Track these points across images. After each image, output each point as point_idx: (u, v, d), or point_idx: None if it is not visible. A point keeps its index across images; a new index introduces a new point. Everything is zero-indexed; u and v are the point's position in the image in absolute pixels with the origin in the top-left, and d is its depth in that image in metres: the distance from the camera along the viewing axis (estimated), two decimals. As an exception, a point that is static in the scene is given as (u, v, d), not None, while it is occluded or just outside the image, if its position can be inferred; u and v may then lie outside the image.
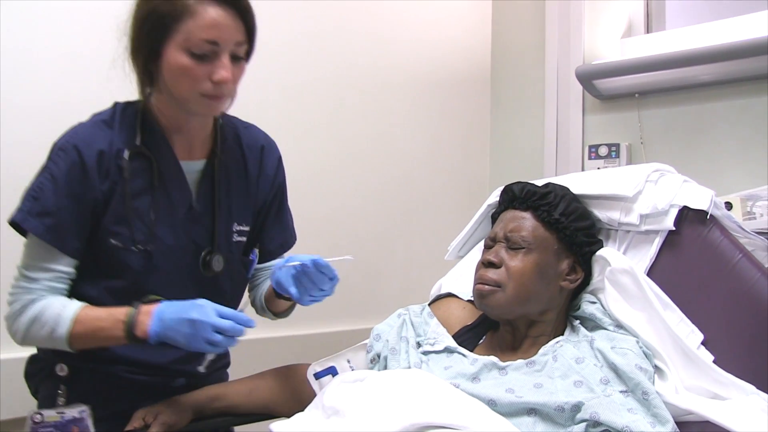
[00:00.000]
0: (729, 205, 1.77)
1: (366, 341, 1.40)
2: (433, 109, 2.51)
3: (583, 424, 1.10)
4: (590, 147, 2.34)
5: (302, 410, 1.20)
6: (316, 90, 2.17)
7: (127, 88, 1.26)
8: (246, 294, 1.47)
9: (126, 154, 1.23)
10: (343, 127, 2.25)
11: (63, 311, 1.18)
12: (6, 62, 1.64)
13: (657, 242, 1.39)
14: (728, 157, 2.08)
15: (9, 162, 1.62)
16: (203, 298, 1.17)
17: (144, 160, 1.25)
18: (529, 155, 2.55)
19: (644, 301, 1.28)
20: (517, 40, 2.62)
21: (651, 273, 1.38)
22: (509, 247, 1.31)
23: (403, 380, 1.17)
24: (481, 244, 1.46)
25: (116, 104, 1.29)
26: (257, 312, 1.46)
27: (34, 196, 1.19)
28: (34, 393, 1.36)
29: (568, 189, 1.39)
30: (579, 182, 1.46)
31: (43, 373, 1.32)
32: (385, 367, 1.32)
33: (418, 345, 1.35)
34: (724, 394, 1.19)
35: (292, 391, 1.37)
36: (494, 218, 1.43)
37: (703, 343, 1.27)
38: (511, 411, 1.15)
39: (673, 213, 1.37)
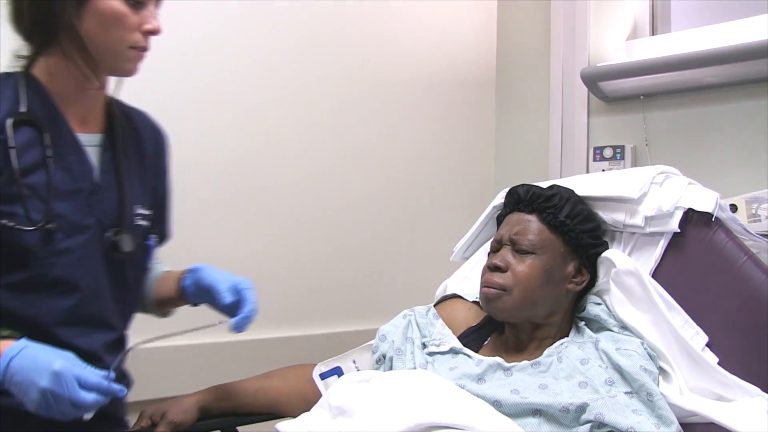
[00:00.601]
0: (734, 208, 1.76)
1: (371, 342, 1.40)
2: (438, 110, 2.51)
3: (588, 425, 1.10)
4: (595, 149, 2.33)
5: (308, 410, 1.20)
6: (320, 91, 2.17)
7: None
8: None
9: (9, 123, 1.10)
10: (348, 128, 2.25)
11: None
12: None
13: (662, 244, 1.39)
14: (733, 160, 2.07)
15: None
16: (111, 286, 1.09)
17: (33, 130, 1.12)
18: (534, 157, 2.55)
19: (649, 303, 1.28)
20: (522, 41, 2.62)
21: (656, 275, 1.38)
22: (515, 251, 1.31)
23: (408, 381, 1.17)
24: (487, 246, 1.46)
25: None
26: (142, 310, 1.36)
27: None
28: None
29: (572, 191, 1.39)
30: (584, 184, 1.46)
31: None
32: (391, 368, 1.33)
33: (424, 346, 1.35)
34: (729, 396, 1.19)
35: (298, 391, 1.37)
36: (499, 220, 1.43)
37: (707, 345, 1.27)
38: (516, 412, 1.16)
39: (678, 215, 1.38)
